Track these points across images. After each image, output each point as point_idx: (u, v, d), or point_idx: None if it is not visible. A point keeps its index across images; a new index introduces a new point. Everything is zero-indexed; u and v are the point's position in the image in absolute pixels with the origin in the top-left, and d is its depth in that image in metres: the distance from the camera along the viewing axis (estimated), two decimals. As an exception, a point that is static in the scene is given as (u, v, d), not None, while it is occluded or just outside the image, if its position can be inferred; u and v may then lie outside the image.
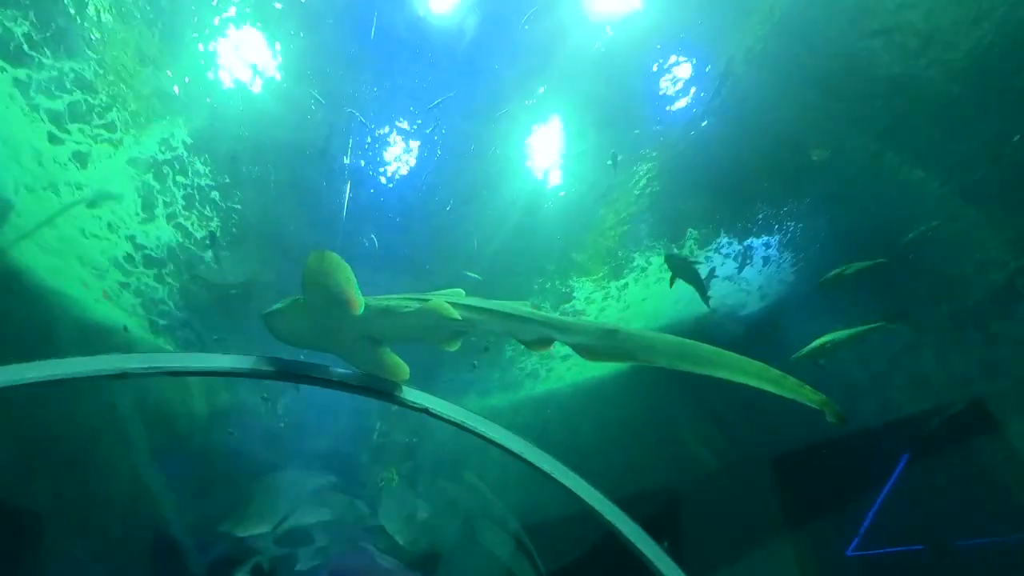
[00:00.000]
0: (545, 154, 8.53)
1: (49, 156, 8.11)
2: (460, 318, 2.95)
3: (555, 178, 8.69)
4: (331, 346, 3.23)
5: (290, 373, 3.27)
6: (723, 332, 9.31)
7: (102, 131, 8.24)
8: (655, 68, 7.55)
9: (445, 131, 8.55)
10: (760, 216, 8.43)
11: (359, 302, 2.95)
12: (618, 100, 7.96)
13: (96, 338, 11.43)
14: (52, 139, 8.15)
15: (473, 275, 9.90)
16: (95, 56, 7.57)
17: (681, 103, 7.72)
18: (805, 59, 6.96)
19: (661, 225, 8.96)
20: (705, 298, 8.59)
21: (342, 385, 3.31)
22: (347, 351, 3.23)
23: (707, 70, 7.48)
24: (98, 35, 7.45)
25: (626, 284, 9.86)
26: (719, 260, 9.14)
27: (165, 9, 7.33)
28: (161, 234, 9.71)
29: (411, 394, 3.38)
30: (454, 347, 3.11)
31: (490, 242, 9.40)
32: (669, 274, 8.37)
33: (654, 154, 8.19)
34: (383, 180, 9.01)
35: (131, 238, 9.68)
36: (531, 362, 11.24)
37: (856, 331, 7.72)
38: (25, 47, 7.33)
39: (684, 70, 7.53)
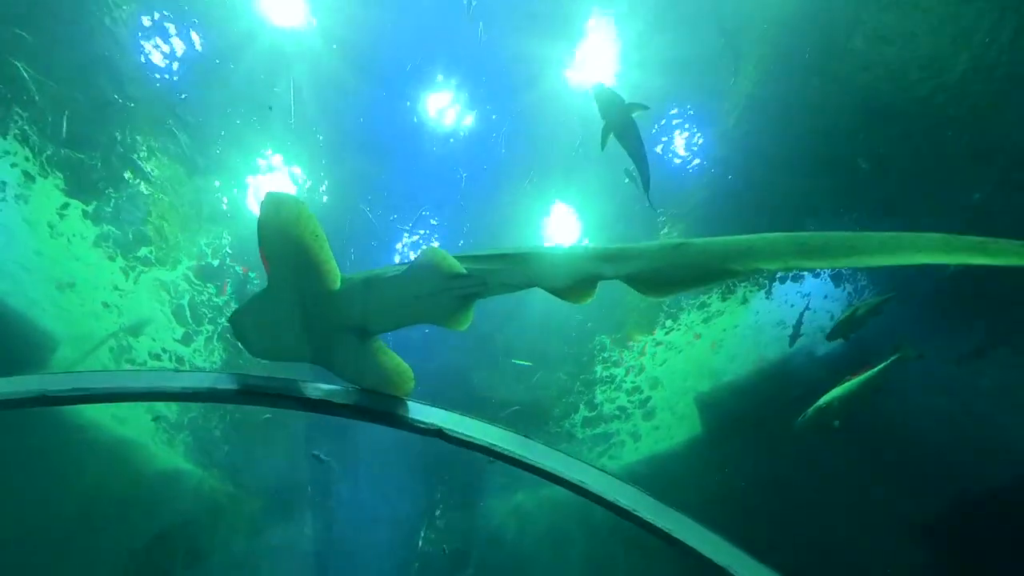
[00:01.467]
0: (564, 231, 8.04)
1: (104, 280, 8.26)
2: (466, 271, 2.08)
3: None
4: (313, 349, 2.38)
5: (258, 392, 2.40)
6: (805, 374, 7.69)
7: (164, 255, 8.40)
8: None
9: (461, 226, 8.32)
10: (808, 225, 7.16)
11: (333, 270, 2.16)
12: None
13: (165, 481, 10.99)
14: (119, 268, 8.38)
15: (521, 362, 8.95)
16: (152, 191, 7.86)
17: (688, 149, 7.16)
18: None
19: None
20: (645, 184, 6.24)
21: (326, 405, 2.39)
22: (333, 355, 2.37)
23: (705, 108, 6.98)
24: (154, 171, 7.78)
25: (669, 332, 8.66)
26: (778, 288, 7.76)
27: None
28: (212, 354, 9.51)
29: (418, 411, 2.41)
30: (464, 324, 2.19)
31: (527, 325, 8.61)
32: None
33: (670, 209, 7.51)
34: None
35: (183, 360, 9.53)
36: (560, 446, 9.84)
37: (869, 376, 6.28)
38: (96, 183, 7.76)
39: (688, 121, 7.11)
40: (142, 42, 6.59)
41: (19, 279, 7.98)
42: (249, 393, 2.39)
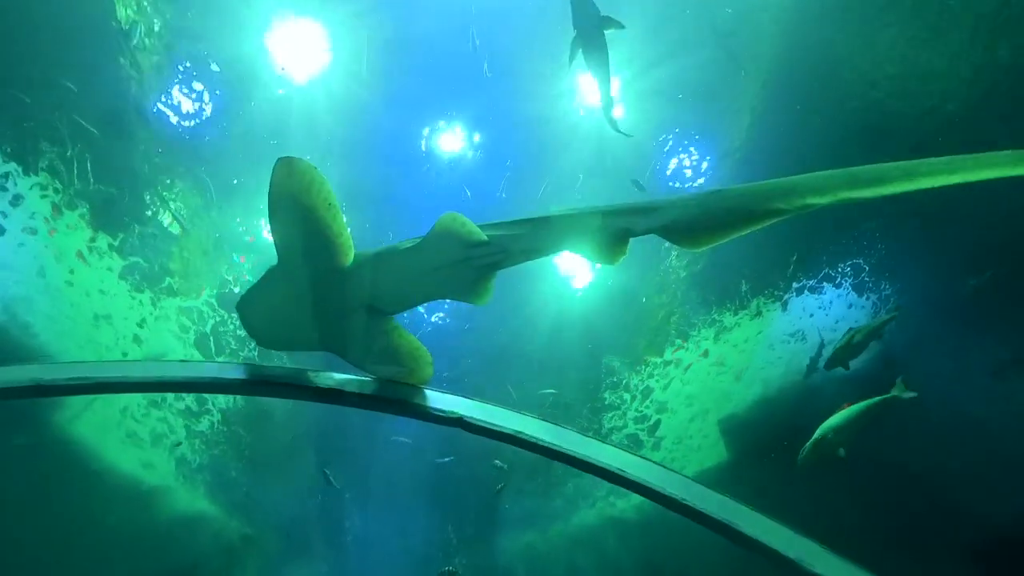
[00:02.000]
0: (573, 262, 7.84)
1: (133, 315, 8.27)
2: (487, 238, 1.90)
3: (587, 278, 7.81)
4: (325, 333, 2.20)
5: (264, 381, 2.22)
6: (828, 393, 7.24)
7: (186, 284, 8.42)
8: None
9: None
10: (825, 236, 6.77)
11: (347, 243, 2.00)
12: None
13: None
14: (148, 300, 8.41)
15: (549, 391, 8.65)
16: (173, 223, 7.91)
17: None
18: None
19: (710, 292, 7.66)
20: (606, 108, 5.67)
21: (337, 394, 2.19)
22: (346, 337, 2.18)
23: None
24: (177, 203, 7.85)
25: (680, 358, 8.29)
26: (795, 299, 7.32)
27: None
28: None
29: (436, 399, 2.19)
30: (486, 298, 2.00)
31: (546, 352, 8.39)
32: None
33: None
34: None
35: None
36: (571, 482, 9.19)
37: (865, 406, 6.16)
38: (122, 216, 7.86)
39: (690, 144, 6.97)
40: (165, 86, 6.81)
41: (45, 313, 8.02)
42: (255, 383, 2.20)
